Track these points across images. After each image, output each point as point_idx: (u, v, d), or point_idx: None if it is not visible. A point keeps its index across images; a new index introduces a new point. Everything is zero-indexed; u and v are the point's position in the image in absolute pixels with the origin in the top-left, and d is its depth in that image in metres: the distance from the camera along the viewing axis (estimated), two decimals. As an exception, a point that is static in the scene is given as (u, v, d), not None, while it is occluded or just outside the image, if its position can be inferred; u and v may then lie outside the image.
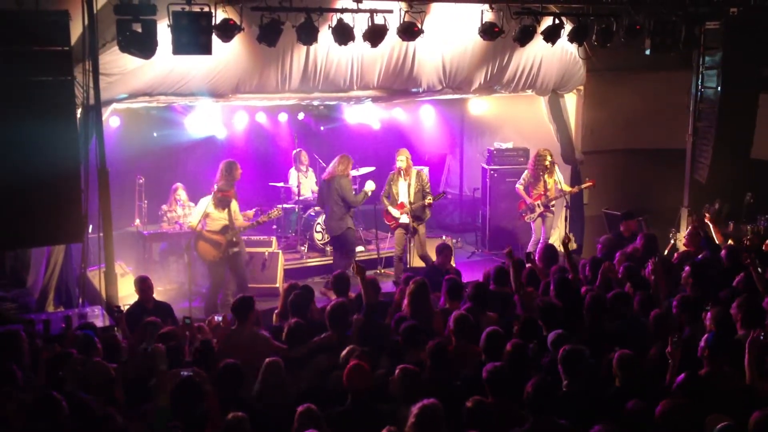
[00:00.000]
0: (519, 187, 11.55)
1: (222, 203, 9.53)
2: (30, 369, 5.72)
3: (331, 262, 11.10)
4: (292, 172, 12.48)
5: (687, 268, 7.50)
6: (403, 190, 10.73)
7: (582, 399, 5.17)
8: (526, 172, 11.55)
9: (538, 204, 11.33)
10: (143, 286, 7.71)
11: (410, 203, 10.68)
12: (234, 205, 9.66)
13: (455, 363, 5.85)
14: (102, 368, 5.40)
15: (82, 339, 6.12)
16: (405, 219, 10.75)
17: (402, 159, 10.70)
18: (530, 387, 4.88)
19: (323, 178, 10.69)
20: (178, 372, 5.21)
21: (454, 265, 10.23)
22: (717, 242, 9.45)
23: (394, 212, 10.75)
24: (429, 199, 10.63)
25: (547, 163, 11.23)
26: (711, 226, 9.76)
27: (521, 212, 11.58)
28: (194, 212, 9.71)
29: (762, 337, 5.42)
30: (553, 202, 11.38)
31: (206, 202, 9.52)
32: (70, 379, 5.34)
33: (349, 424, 4.98)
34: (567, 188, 11.33)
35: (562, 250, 8.53)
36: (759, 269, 7.15)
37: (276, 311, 7.65)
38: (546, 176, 11.28)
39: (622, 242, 9.34)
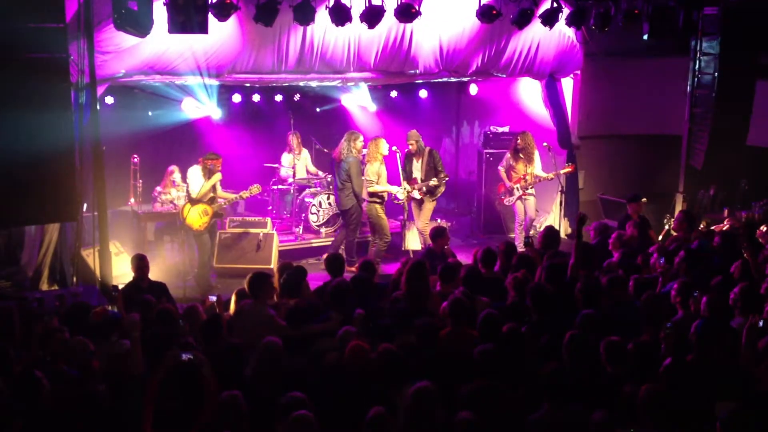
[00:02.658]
0: (500, 169, 11.60)
1: (209, 173, 9.73)
2: (22, 345, 5.73)
3: (326, 244, 11.24)
4: (285, 156, 12.46)
5: (681, 253, 7.51)
6: (417, 168, 11.02)
7: (583, 385, 5.18)
8: (507, 155, 11.57)
9: (516, 187, 11.36)
10: (141, 263, 7.68)
11: (421, 180, 10.93)
12: (217, 176, 9.84)
13: (451, 346, 5.85)
14: (81, 344, 5.42)
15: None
16: (416, 195, 11.02)
17: (412, 142, 10.99)
18: (548, 372, 4.87)
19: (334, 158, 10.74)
20: (178, 354, 5.20)
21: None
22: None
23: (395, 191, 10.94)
24: (434, 181, 10.88)
25: (527, 147, 11.26)
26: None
27: (500, 195, 11.62)
28: (193, 182, 9.80)
29: (761, 324, 5.44)
30: (531, 186, 11.40)
31: (196, 172, 9.76)
32: (54, 356, 5.35)
33: (348, 405, 4.98)
34: (544, 174, 11.36)
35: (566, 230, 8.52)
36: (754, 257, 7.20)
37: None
38: (526, 160, 11.31)
39: (607, 228, 9.29)
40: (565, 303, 6.52)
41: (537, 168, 11.37)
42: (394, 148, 11.25)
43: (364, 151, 10.69)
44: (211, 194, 9.81)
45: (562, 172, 11.29)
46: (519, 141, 11.29)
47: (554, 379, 4.84)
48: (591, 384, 5.18)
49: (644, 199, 9.92)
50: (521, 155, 11.28)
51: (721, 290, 6.45)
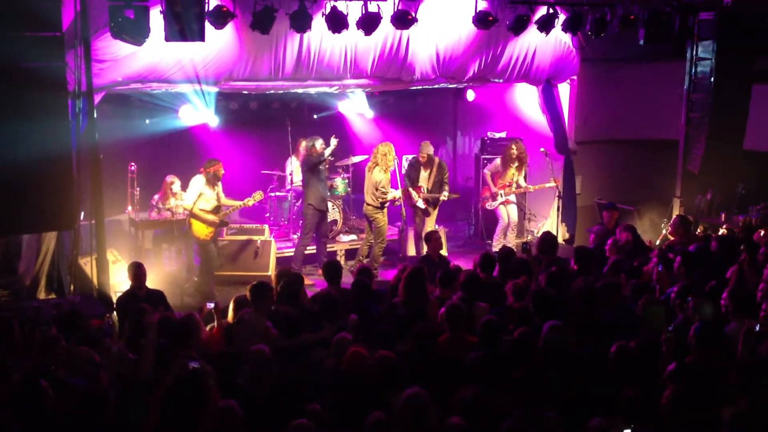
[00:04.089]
0: (486, 172, 11.64)
1: (213, 180, 9.77)
2: (22, 354, 5.72)
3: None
4: (291, 160, 12.45)
5: (678, 258, 7.52)
6: (423, 177, 11.10)
7: (572, 390, 5.17)
8: (497, 159, 11.63)
9: (501, 193, 11.41)
10: (138, 272, 7.66)
11: (427, 190, 11.03)
12: (219, 183, 9.95)
13: (449, 352, 5.85)
14: (86, 354, 5.41)
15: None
16: (421, 204, 11.12)
17: (424, 155, 11.08)
18: (518, 378, 4.87)
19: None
20: (186, 362, 5.19)
21: (445, 253, 10.28)
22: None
23: (413, 194, 11.16)
24: (444, 196, 11.04)
25: (516, 156, 11.35)
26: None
27: (483, 198, 11.67)
28: (188, 193, 9.80)
29: (757, 328, 5.44)
30: (513, 194, 11.46)
31: (199, 182, 9.75)
32: (58, 366, 5.35)
33: (347, 411, 4.97)
34: (524, 185, 11.54)
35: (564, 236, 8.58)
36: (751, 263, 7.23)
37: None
38: (514, 169, 11.35)
39: (609, 233, 9.38)
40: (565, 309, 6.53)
41: (524, 179, 11.45)
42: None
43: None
44: (215, 203, 9.78)
45: (546, 185, 11.36)
46: (514, 148, 11.36)
47: (524, 384, 4.84)
48: (573, 390, 5.17)
49: (617, 212, 10.15)
50: (512, 163, 11.35)
51: (716, 294, 6.46)
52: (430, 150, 11.07)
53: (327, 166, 11.18)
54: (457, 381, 5.08)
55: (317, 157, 10.51)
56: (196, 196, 9.71)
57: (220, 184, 9.94)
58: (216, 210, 9.78)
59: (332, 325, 6.37)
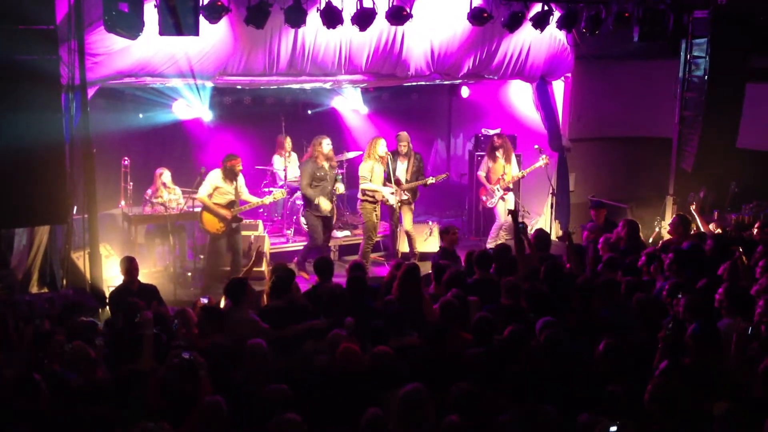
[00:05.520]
0: (480, 174, 11.67)
1: (230, 175, 9.73)
2: (15, 348, 5.72)
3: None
4: (276, 157, 12.44)
5: (671, 255, 7.53)
6: (401, 170, 10.86)
7: (565, 385, 5.17)
8: (485, 158, 11.64)
9: (497, 188, 11.43)
10: (130, 266, 7.66)
11: (406, 181, 10.80)
12: (241, 178, 9.93)
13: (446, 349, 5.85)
14: (82, 350, 5.40)
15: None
16: (403, 196, 10.82)
17: (404, 144, 10.86)
18: (511, 374, 4.87)
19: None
20: (179, 352, 5.20)
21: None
22: (703, 231, 9.54)
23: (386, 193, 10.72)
24: (431, 180, 10.87)
25: (498, 145, 11.37)
26: (696, 216, 9.86)
27: (482, 198, 11.68)
28: (204, 184, 9.81)
29: (750, 329, 5.46)
30: (510, 185, 11.51)
31: (216, 176, 9.73)
32: (52, 360, 5.34)
33: (338, 407, 4.97)
34: (520, 173, 11.54)
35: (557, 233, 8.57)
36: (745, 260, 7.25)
37: (265, 291, 7.63)
38: (502, 160, 11.40)
39: (601, 230, 9.39)
40: (562, 305, 6.54)
41: (514, 168, 11.47)
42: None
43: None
44: (231, 198, 9.78)
45: (536, 166, 11.29)
46: (496, 140, 11.38)
47: (517, 379, 4.85)
48: (566, 385, 5.17)
49: (605, 210, 10.22)
50: (498, 154, 11.36)
51: (707, 292, 6.47)
52: (408, 139, 10.87)
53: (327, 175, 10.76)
54: (453, 378, 5.09)
55: (317, 170, 10.19)
56: (210, 189, 9.69)
57: (241, 178, 9.92)
58: (230, 205, 9.76)
59: (328, 319, 6.36)
